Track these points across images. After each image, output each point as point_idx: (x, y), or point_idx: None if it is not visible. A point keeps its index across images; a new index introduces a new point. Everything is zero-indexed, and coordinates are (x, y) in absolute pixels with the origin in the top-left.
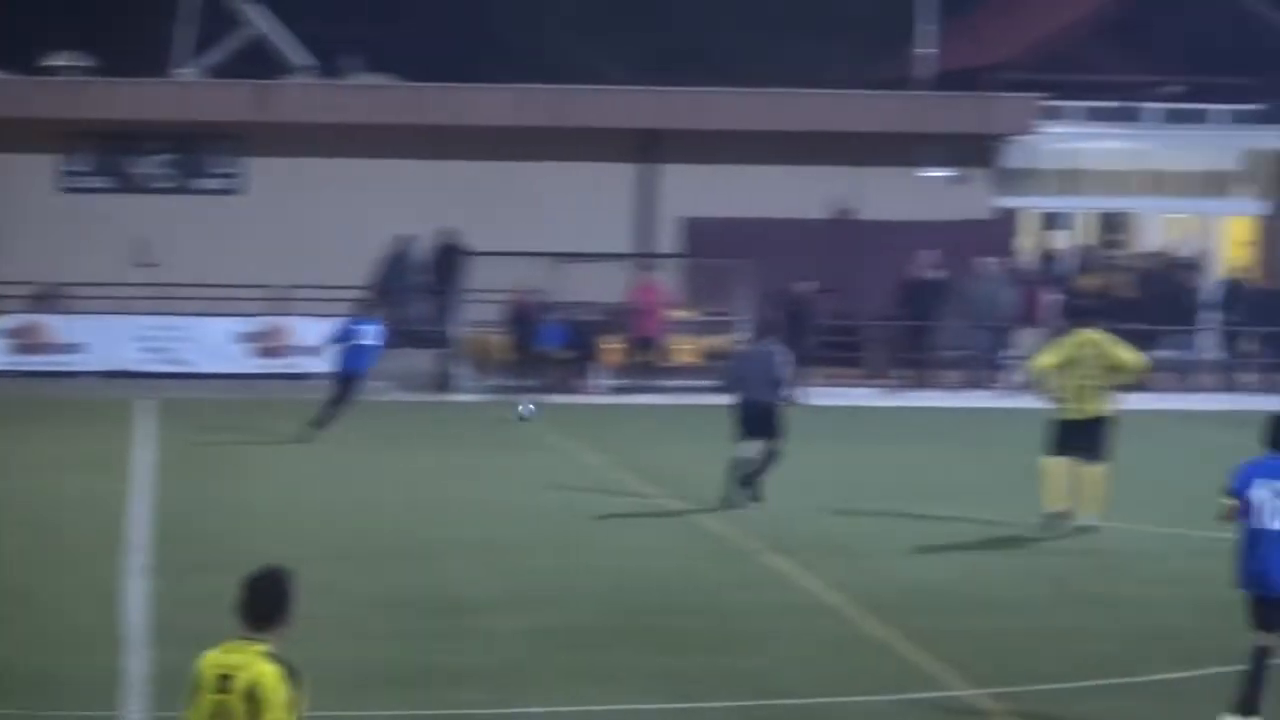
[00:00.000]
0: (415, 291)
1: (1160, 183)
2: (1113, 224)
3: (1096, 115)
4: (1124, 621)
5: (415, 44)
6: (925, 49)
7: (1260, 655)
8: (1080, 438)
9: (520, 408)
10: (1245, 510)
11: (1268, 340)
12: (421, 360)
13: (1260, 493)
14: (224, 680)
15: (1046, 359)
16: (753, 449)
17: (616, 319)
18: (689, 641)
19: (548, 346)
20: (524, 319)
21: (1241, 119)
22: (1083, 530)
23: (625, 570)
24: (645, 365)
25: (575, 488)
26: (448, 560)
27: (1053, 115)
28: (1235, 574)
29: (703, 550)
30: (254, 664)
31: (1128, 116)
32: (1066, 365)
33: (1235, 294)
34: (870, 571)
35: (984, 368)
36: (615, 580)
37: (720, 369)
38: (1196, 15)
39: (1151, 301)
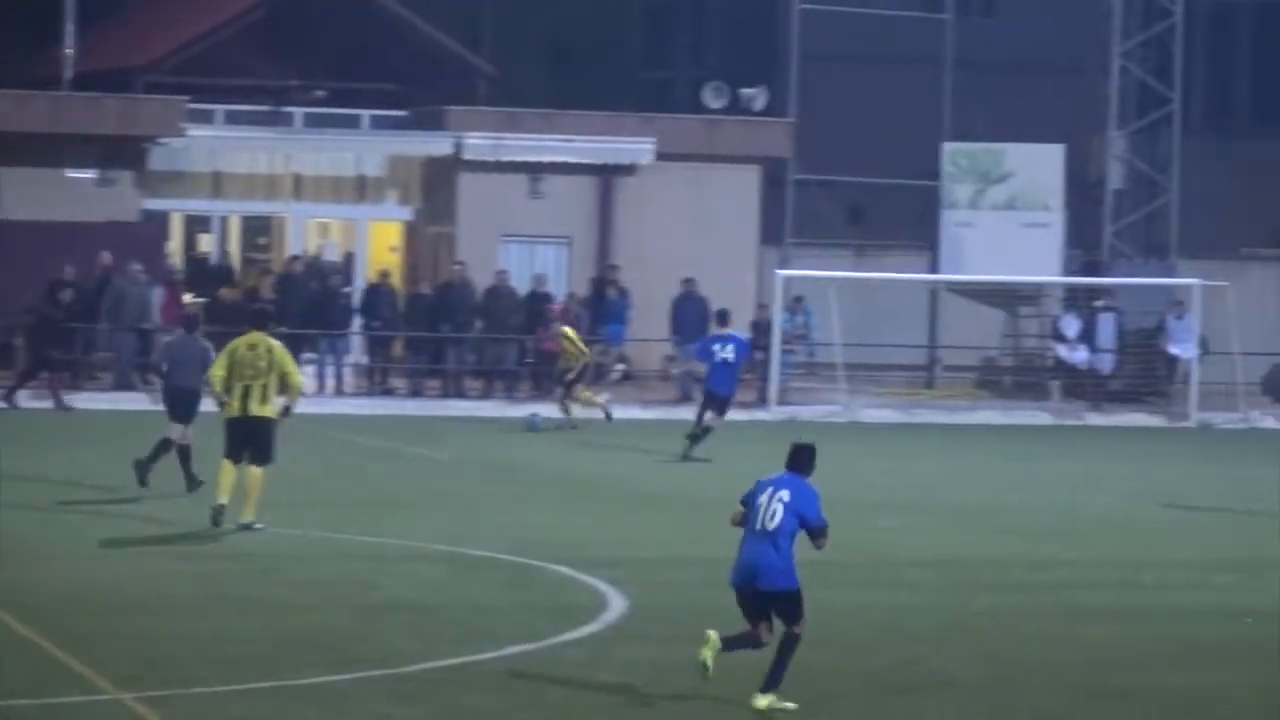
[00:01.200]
0: None
1: (307, 187)
2: (260, 227)
3: (243, 119)
4: (275, 625)
5: None
6: (70, 49)
7: (756, 641)
8: (247, 438)
9: (530, 417)
10: (747, 516)
11: (413, 345)
12: None
13: (760, 500)
14: None
15: (219, 368)
16: (177, 431)
17: None
18: None
19: None
20: None
21: (386, 124)
22: (244, 530)
23: None
24: None
25: None
26: None
27: (199, 118)
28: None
29: None
30: None
31: (274, 120)
32: (234, 366)
33: (381, 298)
34: (19, 572)
35: (133, 370)
36: None
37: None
38: (344, 21)
39: (299, 305)
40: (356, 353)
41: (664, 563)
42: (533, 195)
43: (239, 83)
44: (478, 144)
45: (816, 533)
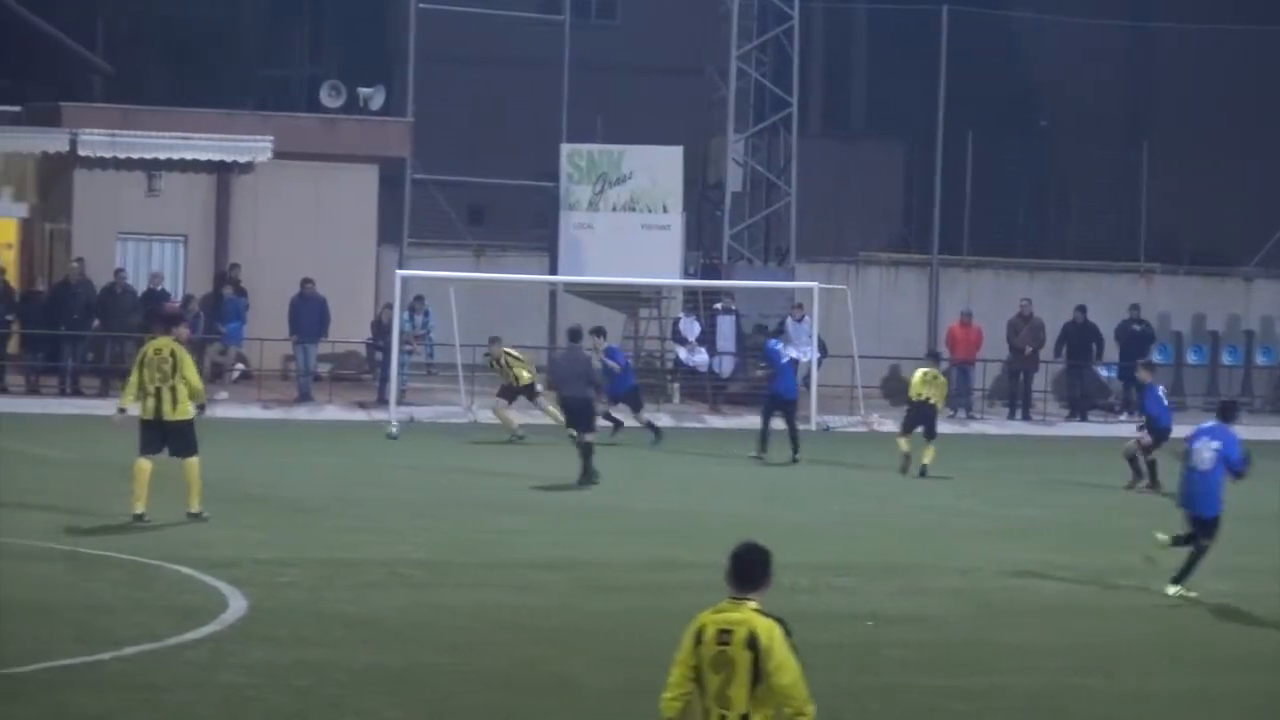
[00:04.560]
0: None
1: None
2: None
3: None
4: None
5: None
6: None
7: None
8: (164, 439)
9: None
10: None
11: (29, 342)
12: None
13: (1197, 445)
14: (723, 634)
15: (131, 373)
16: (588, 435)
17: None
18: None
19: None
20: None
21: (0, 120)
22: (194, 519)
23: None
24: None
25: None
26: None
27: None
28: None
29: None
30: (749, 619)
31: None
32: (144, 371)
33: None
34: None
35: None
36: None
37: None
38: None
39: None
40: None
41: (282, 563)
42: (150, 193)
43: None
44: (93, 140)
45: (1236, 467)
